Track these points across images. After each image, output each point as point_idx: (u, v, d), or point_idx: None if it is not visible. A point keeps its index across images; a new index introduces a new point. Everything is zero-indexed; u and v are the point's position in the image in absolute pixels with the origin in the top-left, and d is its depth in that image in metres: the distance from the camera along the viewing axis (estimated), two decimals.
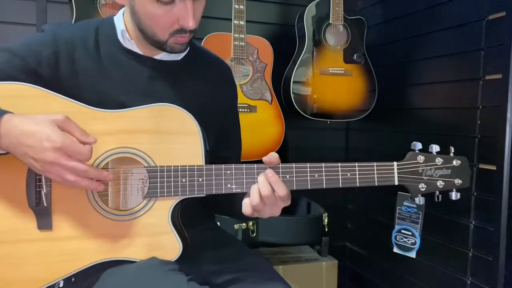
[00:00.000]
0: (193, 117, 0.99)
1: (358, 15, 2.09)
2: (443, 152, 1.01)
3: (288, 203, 0.98)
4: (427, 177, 1.00)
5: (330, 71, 2.01)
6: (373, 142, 2.27)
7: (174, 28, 0.99)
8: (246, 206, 0.98)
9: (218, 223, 1.35)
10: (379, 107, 2.06)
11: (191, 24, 0.97)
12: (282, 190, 0.95)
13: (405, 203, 1.09)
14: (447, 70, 1.76)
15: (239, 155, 1.28)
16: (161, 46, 1.03)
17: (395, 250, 1.11)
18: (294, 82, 1.98)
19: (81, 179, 0.88)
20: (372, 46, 2.09)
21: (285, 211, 1.01)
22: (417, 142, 1.01)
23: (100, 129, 0.97)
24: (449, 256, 1.69)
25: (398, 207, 1.09)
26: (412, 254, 1.11)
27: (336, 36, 2.04)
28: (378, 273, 2.19)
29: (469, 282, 1.61)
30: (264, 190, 0.94)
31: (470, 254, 1.60)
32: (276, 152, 1.75)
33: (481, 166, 1.55)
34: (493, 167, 1.48)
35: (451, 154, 1.01)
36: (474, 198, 1.58)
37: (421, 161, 1.00)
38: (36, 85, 0.97)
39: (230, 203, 1.09)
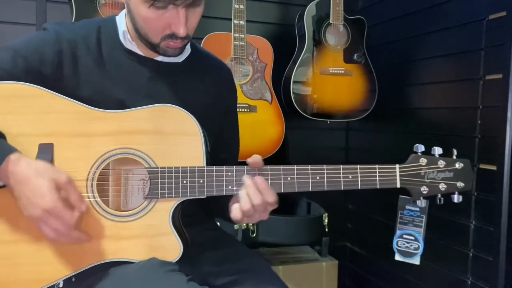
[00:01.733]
0: (194, 118, 0.98)
1: (359, 15, 2.08)
2: (446, 154, 1.01)
3: (275, 206, 0.98)
4: (429, 180, 0.99)
5: (330, 71, 2.01)
6: (373, 142, 2.27)
7: (166, 33, 0.99)
8: (236, 211, 0.97)
9: (218, 223, 1.34)
10: (380, 107, 2.06)
11: (181, 31, 0.97)
12: (271, 197, 0.95)
13: (407, 207, 1.07)
14: (447, 70, 1.76)
15: (236, 157, 1.27)
16: (154, 48, 1.03)
17: (397, 258, 1.08)
18: (294, 82, 1.98)
19: (60, 237, 0.90)
20: (372, 46, 2.09)
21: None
22: (420, 145, 1.00)
23: (100, 129, 0.97)
24: (449, 256, 1.69)
25: (400, 212, 1.07)
26: (416, 261, 1.09)
27: (336, 36, 2.04)
28: (378, 273, 2.19)
29: (469, 282, 1.61)
30: (255, 200, 0.94)
31: (471, 254, 1.61)
32: (276, 152, 1.75)
33: (482, 166, 1.55)
34: (494, 167, 1.48)
35: (454, 157, 1.01)
36: (474, 198, 1.58)
37: (423, 164, 0.99)
38: (38, 84, 0.97)
39: (225, 205, 1.08)
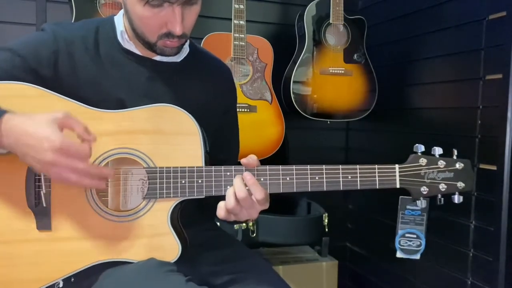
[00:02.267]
0: (193, 118, 0.98)
1: (359, 14, 2.08)
2: (446, 154, 1.00)
3: (266, 206, 0.97)
4: (429, 180, 0.99)
5: (330, 71, 2.01)
6: (373, 142, 2.27)
7: (162, 32, 0.99)
8: (220, 210, 0.97)
9: (218, 223, 1.34)
10: (379, 107, 2.06)
11: (178, 29, 0.96)
12: (259, 194, 0.94)
13: (408, 207, 1.07)
14: (447, 70, 1.75)
15: (236, 157, 1.27)
16: (151, 47, 1.03)
17: (399, 255, 1.09)
18: (294, 82, 1.98)
19: (82, 178, 0.87)
20: (372, 46, 2.09)
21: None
22: (420, 145, 1.00)
23: (99, 129, 0.97)
24: (449, 256, 1.69)
25: (400, 212, 1.08)
26: (417, 256, 1.10)
27: (336, 36, 2.04)
28: (378, 273, 2.19)
29: (469, 282, 1.61)
30: (239, 193, 0.93)
31: (471, 254, 1.60)
32: (276, 152, 1.75)
33: (482, 166, 1.55)
34: (494, 167, 1.47)
35: (454, 157, 1.00)
36: (474, 198, 1.58)
37: (423, 164, 0.99)
38: (37, 84, 0.97)
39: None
